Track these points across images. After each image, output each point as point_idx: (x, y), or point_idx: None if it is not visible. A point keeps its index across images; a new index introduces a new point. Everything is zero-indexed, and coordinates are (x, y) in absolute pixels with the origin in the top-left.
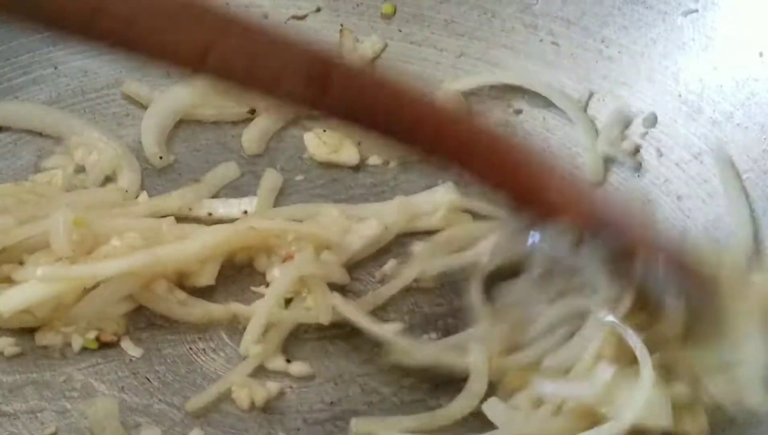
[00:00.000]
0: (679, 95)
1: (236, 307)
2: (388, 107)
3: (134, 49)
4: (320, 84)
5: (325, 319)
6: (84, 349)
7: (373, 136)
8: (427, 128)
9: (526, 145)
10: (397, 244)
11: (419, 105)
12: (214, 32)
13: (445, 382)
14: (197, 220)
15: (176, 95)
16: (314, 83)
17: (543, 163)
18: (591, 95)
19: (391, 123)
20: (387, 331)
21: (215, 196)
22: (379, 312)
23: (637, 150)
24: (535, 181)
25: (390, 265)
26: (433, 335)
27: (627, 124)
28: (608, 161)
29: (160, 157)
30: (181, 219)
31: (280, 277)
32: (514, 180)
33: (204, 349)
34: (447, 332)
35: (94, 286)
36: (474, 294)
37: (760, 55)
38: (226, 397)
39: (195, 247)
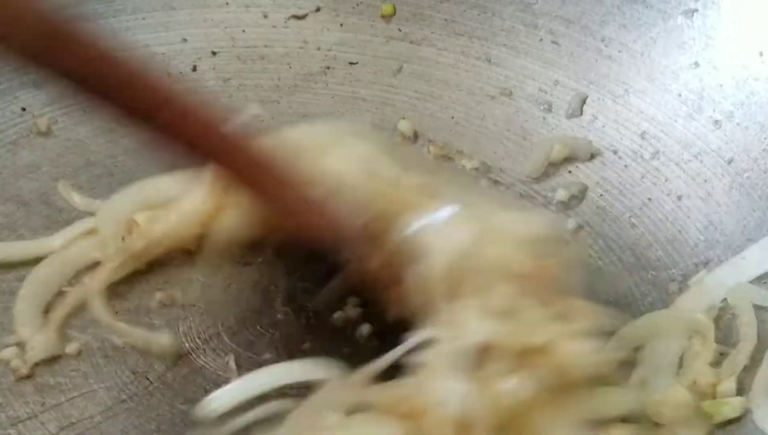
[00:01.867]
0: (679, 95)
1: None
2: (121, 82)
3: None
4: (48, 41)
5: None
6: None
7: (107, 109)
8: (164, 113)
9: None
10: None
11: (158, 89)
12: None
13: None
14: None
15: None
16: (43, 39)
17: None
18: (584, 100)
19: (123, 98)
20: None
21: None
22: None
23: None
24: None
25: None
26: None
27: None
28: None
29: None
30: None
31: None
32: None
33: (204, 350)
34: None
35: None
36: None
37: (760, 55)
38: None
39: None
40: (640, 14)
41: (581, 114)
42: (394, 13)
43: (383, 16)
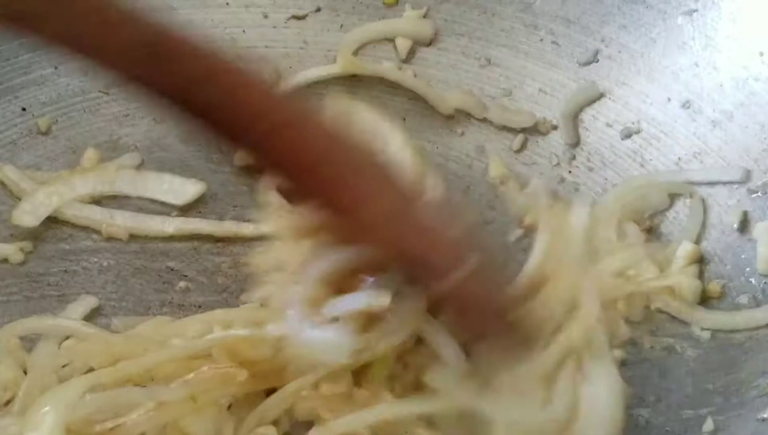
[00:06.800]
0: (679, 95)
1: None
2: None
3: None
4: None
5: None
6: None
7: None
8: (261, 121)
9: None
10: None
11: (257, 93)
12: None
13: None
14: None
15: None
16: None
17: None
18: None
19: (220, 107)
20: None
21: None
22: None
23: None
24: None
25: None
26: None
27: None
28: None
29: None
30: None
31: None
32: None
33: None
34: None
35: None
36: None
37: (760, 55)
38: None
39: None
40: (640, 14)
41: (581, 114)
42: (396, 3)
43: (385, 4)
